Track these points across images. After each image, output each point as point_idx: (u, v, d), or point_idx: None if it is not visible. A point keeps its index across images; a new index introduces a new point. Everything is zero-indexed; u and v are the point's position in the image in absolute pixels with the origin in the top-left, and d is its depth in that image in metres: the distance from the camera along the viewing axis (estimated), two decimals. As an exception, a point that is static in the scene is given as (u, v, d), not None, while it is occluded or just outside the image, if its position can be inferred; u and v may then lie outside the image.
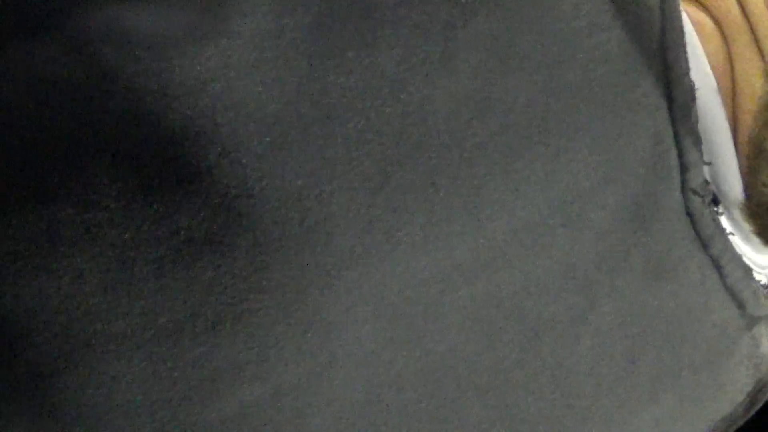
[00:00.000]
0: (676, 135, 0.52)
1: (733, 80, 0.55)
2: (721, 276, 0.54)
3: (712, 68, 0.54)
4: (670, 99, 0.51)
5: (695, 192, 0.52)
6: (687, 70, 0.52)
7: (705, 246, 0.53)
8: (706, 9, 0.56)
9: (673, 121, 0.51)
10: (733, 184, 0.54)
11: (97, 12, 0.46)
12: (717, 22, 0.56)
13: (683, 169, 0.52)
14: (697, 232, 0.53)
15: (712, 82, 0.54)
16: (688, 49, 0.52)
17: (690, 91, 0.52)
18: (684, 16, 0.53)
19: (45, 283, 0.46)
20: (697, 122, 0.52)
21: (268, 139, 0.46)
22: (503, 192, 0.48)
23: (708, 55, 0.54)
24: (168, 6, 0.46)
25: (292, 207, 0.46)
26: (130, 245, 0.46)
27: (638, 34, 0.51)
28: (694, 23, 0.55)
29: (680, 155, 0.52)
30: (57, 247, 0.46)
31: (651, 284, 0.53)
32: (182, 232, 0.46)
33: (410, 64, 0.46)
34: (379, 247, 0.47)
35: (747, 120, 0.54)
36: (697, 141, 0.52)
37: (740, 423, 0.57)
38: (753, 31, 0.54)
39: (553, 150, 0.49)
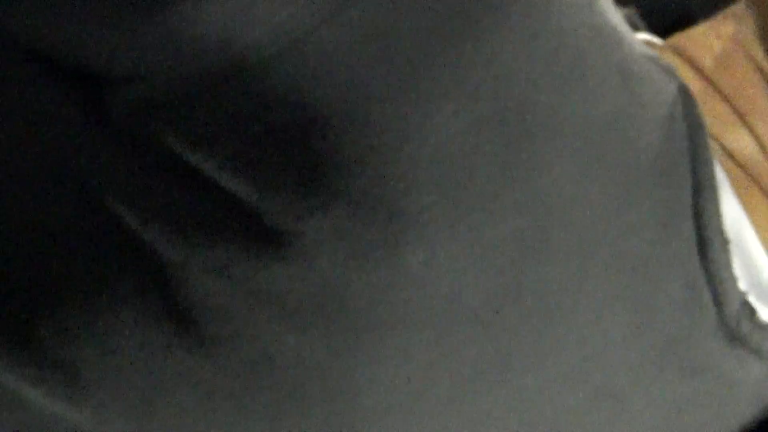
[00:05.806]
0: (708, 276, 0.50)
1: None
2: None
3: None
4: (701, 244, 0.50)
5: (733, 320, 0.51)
6: (720, 222, 0.50)
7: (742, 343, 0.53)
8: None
9: (705, 265, 0.50)
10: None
11: None
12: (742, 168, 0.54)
13: (717, 302, 0.51)
14: (742, 344, 0.52)
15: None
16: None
17: (723, 237, 0.50)
18: (717, 167, 0.51)
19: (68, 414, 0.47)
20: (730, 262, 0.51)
21: (291, 321, 0.45)
22: (533, 359, 0.47)
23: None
24: None
25: (315, 373, 0.46)
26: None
27: (673, 196, 0.49)
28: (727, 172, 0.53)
29: (714, 293, 0.51)
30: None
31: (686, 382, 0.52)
32: (207, 382, 0.46)
33: (436, 261, 0.45)
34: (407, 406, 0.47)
35: None
36: (731, 275, 0.51)
37: None
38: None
39: (584, 320, 0.48)
